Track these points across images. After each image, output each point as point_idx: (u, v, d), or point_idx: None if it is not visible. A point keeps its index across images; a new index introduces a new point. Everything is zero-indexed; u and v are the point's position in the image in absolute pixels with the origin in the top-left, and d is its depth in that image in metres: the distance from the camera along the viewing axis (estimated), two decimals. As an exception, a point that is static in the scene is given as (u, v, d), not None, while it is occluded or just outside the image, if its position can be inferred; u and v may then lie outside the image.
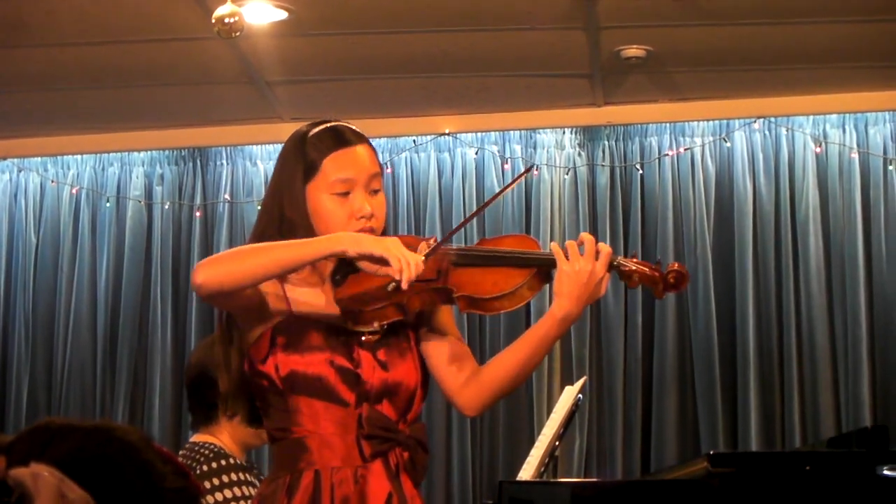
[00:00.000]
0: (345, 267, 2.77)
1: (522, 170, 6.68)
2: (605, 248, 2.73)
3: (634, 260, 2.78)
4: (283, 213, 2.77)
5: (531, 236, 2.89)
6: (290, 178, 2.79)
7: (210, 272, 2.61)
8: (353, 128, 2.85)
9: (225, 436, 3.76)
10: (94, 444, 1.35)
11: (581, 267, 2.71)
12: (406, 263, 2.56)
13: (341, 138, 2.79)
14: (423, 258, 2.63)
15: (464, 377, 2.81)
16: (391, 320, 2.73)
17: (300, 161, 2.78)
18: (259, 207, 6.74)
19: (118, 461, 1.35)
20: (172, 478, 1.38)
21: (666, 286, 2.76)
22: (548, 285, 2.80)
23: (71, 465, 1.32)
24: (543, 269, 2.75)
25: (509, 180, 6.69)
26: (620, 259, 2.77)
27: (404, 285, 2.56)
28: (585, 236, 2.74)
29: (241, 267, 2.62)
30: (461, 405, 2.84)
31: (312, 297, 2.77)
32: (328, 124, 2.83)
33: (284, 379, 2.69)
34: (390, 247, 2.59)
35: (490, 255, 2.77)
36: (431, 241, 2.81)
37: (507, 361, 2.81)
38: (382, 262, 2.58)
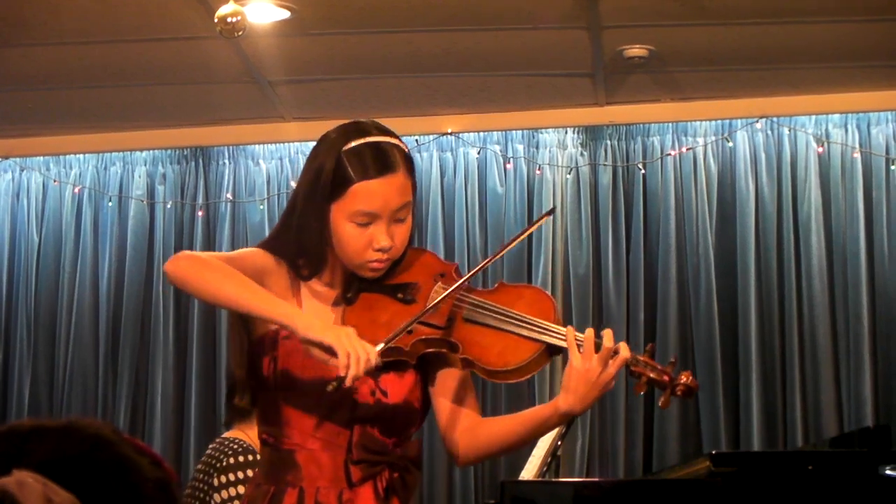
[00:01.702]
0: (357, 284, 2.71)
1: (525, 169, 6.69)
2: (623, 352, 2.61)
3: (646, 359, 2.65)
4: (305, 222, 2.68)
5: (548, 294, 2.77)
6: (317, 189, 2.66)
7: (182, 269, 2.55)
8: (398, 144, 2.69)
9: (256, 434, 3.81)
10: (69, 444, 1.35)
11: (593, 366, 2.58)
12: (355, 359, 2.42)
13: (378, 164, 2.63)
14: (377, 350, 2.48)
15: (464, 426, 2.72)
16: (391, 360, 2.63)
17: (331, 173, 2.64)
18: (262, 207, 6.79)
19: (95, 458, 1.35)
20: (149, 468, 1.38)
21: (673, 394, 2.67)
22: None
23: (50, 467, 1.32)
24: (554, 347, 2.63)
25: (511, 181, 6.70)
26: (634, 361, 2.64)
27: (348, 382, 2.43)
28: (606, 336, 2.61)
29: (207, 283, 2.54)
30: (453, 453, 2.75)
31: (322, 313, 2.69)
32: (370, 139, 2.66)
33: (280, 387, 2.64)
34: (342, 338, 2.44)
35: (503, 319, 2.65)
36: (452, 271, 2.73)
37: (503, 431, 2.71)
38: (331, 352, 2.44)
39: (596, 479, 5.99)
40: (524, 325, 2.64)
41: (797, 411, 6.29)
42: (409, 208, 2.68)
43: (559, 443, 4.41)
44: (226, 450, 3.79)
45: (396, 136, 2.72)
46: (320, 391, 2.55)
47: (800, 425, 6.28)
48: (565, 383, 2.60)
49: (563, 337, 2.62)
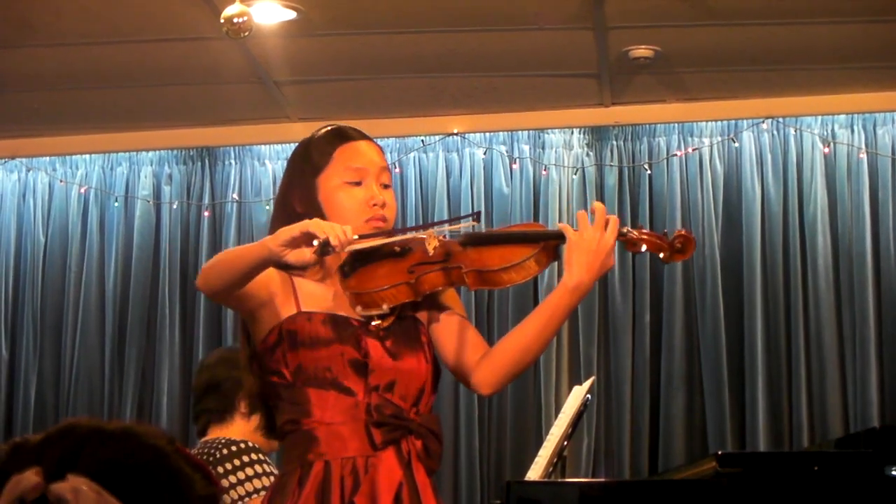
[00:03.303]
0: (352, 259, 2.78)
1: (531, 170, 6.69)
2: (613, 217, 2.75)
3: (641, 229, 2.81)
4: (294, 210, 2.79)
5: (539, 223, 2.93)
6: (300, 176, 2.83)
7: (204, 278, 2.68)
8: (357, 128, 2.93)
9: (236, 432, 3.82)
10: (128, 452, 1.34)
11: (590, 236, 2.71)
12: (328, 226, 2.56)
13: (346, 135, 2.86)
14: (353, 231, 2.63)
15: (477, 356, 2.81)
16: (400, 302, 2.74)
17: (308, 159, 2.83)
18: (268, 207, 6.79)
19: (152, 470, 1.34)
20: (201, 484, 1.37)
21: (673, 251, 2.78)
22: (557, 263, 2.82)
23: (105, 474, 1.31)
24: (551, 245, 2.75)
25: (517, 182, 6.70)
26: (628, 228, 2.78)
27: (333, 241, 2.53)
28: (597, 205, 2.75)
29: (221, 274, 2.65)
30: (476, 384, 2.82)
31: (320, 293, 2.79)
32: (332, 126, 2.91)
33: (294, 373, 2.71)
34: (308, 223, 2.58)
35: (497, 235, 2.80)
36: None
37: (520, 336, 2.80)
38: (308, 237, 2.56)
39: (601, 480, 5.99)
40: (519, 234, 2.79)
41: (803, 412, 6.29)
42: (389, 175, 2.86)
43: (565, 443, 4.41)
44: (216, 444, 3.81)
45: None
46: (334, 369, 2.70)
47: (805, 426, 6.27)
48: (567, 259, 2.72)
49: (557, 230, 2.75)
